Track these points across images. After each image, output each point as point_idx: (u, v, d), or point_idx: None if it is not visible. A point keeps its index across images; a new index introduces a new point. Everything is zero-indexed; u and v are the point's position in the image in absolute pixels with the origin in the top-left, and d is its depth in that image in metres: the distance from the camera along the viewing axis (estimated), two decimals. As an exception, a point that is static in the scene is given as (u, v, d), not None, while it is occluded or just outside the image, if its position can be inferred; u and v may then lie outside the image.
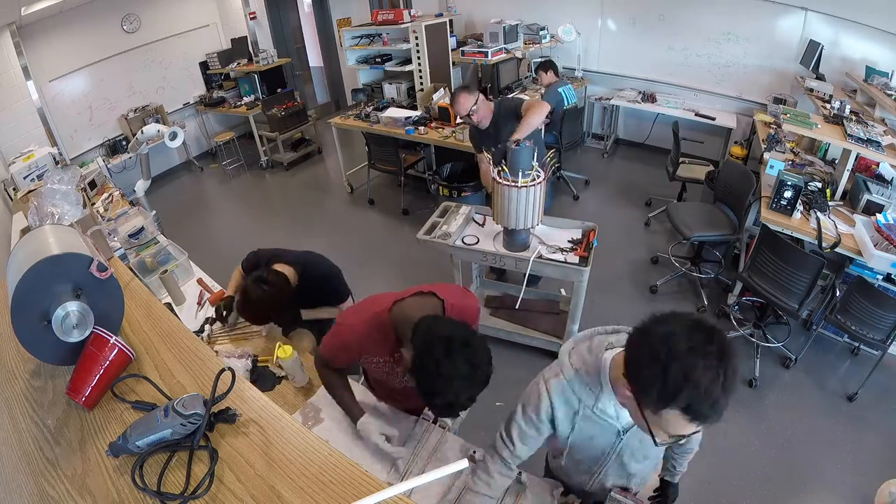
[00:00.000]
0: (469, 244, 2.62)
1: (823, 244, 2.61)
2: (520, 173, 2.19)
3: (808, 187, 2.93)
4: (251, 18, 6.53)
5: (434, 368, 1.07)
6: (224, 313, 2.06)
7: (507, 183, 2.22)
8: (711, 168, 4.10)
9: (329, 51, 7.64)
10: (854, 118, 3.12)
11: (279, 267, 1.87)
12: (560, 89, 4.38)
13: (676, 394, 0.82)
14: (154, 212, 3.04)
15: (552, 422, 1.15)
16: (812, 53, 4.06)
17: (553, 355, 2.89)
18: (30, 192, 3.42)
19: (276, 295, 1.71)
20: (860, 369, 2.75)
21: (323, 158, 6.38)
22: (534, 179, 2.22)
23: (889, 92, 3.27)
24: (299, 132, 6.23)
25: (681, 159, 4.12)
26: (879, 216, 2.58)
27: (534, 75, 5.09)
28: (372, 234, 4.57)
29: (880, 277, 2.60)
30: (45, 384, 1.08)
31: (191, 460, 0.86)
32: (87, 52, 5.27)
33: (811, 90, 3.93)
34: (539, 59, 5.18)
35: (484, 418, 2.64)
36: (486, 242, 2.63)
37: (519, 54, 5.18)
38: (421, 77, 4.62)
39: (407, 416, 1.60)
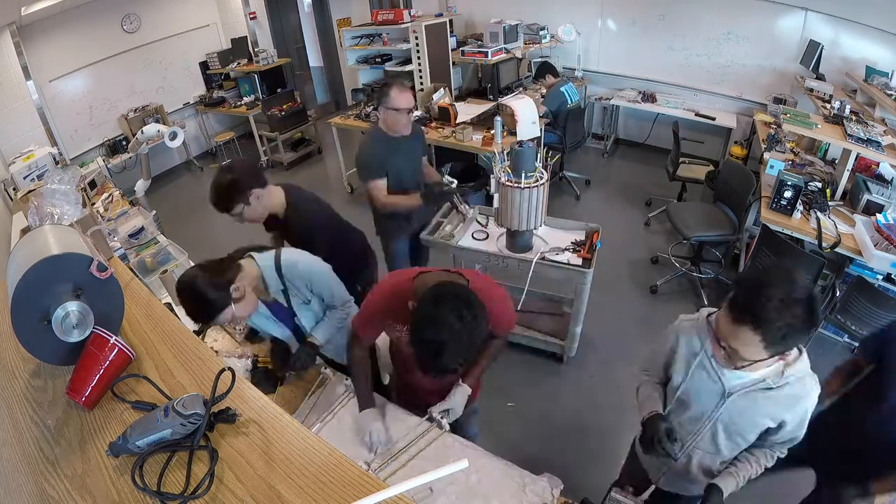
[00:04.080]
0: (472, 245, 2.62)
1: (823, 244, 2.60)
2: (522, 174, 2.19)
3: (808, 187, 2.93)
4: (251, 18, 6.53)
5: (423, 312, 1.17)
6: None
7: (511, 184, 2.22)
8: (711, 168, 4.10)
9: (329, 51, 7.64)
10: (854, 118, 3.12)
11: (273, 187, 1.98)
12: (562, 89, 4.38)
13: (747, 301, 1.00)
14: (154, 212, 3.04)
15: (670, 364, 1.32)
16: (812, 53, 4.06)
17: (556, 357, 2.92)
18: (30, 192, 3.42)
19: (235, 180, 1.83)
20: (860, 369, 2.74)
21: (323, 158, 6.38)
22: (537, 181, 2.22)
23: (889, 92, 3.27)
24: (299, 132, 6.23)
25: (681, 159, 4.13)
26: (879, 216, 2.58)
27: (534, 76, 5.09)
28: (372, 234, 4.54)
29: (880, 277, 2.59)
30: (45, 384, 1.08)
31: (191, 460, 0.86)
32: (87, 52, 5.27)
33: (811, 90, 3.93)
34: (538, 60, 5.18)
35: (496, 421, 2.65)
36: (489, 243, 2.63)
37: (519, 54, 5.18)
38: (421, 77, 4.62)
39: (409, 415, 1.60)
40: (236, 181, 1.84)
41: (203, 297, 1.37)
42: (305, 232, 1.98)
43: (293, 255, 1.66)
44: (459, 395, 1.55)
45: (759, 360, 1.04)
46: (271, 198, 1.97)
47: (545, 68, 4.61)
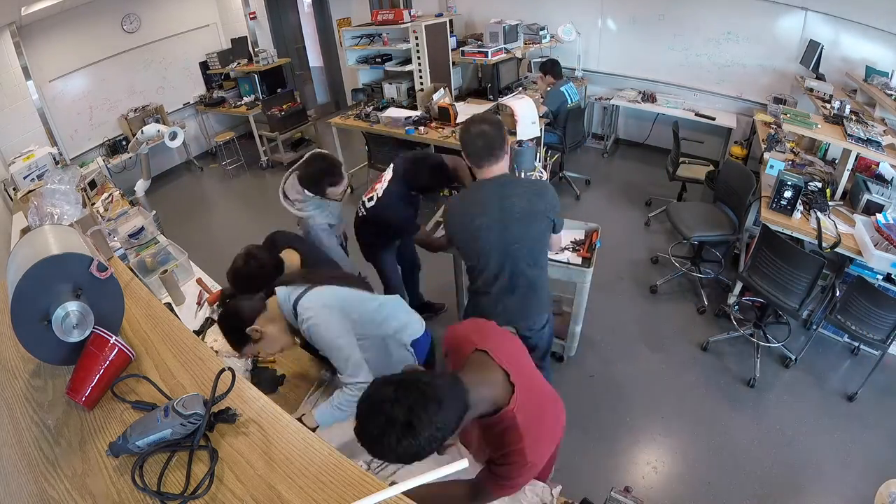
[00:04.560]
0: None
1: (823, 244, 2.61)
2: (522, 174, 2.20)
3: (808, 187, 2.93)
4: (251, 18, 6.53)
5: (379, 382, 0.96)
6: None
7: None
8: (711, 168, 4.10)
9: (329, 51, 7.64)
10: (854, 118, 3.12)
11: (286, 252, 1.96)
12: (562, 89, 4.38)
13: None
14: (154, 212, 3.04)
15: None
16: (812, 53, 4.06)
17: (556, 356, 2.92)
18: (30, 192, 3.42)
19: (259, 268, 1.80)
20: (860, 369, 2.75)
21: (323, 158, 6.37)
22: (534, 179, 2.22)
23: (889, 92, 3.27)
24: (299, 132, 6.23)
25: (681, 159, 4.12)
26: (879, 216, 2.58)
27: (535, 75, 5.08)
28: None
29: (880, 277, 2.60)
30: (45, 384, 1.08)
31: (191, 460, 0.86)
32: (87, 52, 5.27)
33: (811, 90, 3.93)
34: (539, 60, 5.18)
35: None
36: None
37: (519, 54, 5.18)
38: (421, 77, 4.62)
39: None
40: (259, 284, 1.73)
41: (228, 331, 1.53)
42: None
43: (310, 307, 1.50)
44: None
45: None
46: (289, 266, 1.94)
47: (550, 65, 4.59)
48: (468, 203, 1.81)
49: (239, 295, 1.71)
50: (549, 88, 4.48)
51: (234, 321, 1.50)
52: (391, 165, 2.48)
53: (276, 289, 1.58)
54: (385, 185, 2.42)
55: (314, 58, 7.98)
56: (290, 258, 1.98)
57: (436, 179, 2.41)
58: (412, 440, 0.88)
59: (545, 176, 2.27)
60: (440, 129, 4.24)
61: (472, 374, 1.08)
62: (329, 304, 1.54)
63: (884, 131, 2.95)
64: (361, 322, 1.59)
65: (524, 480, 1.16)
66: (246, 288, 1.75)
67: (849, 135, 2.84)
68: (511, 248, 1.79)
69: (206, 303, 2.28)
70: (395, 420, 0.88)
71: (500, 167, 1.76)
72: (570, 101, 4.40)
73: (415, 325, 1.75)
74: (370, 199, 2.48)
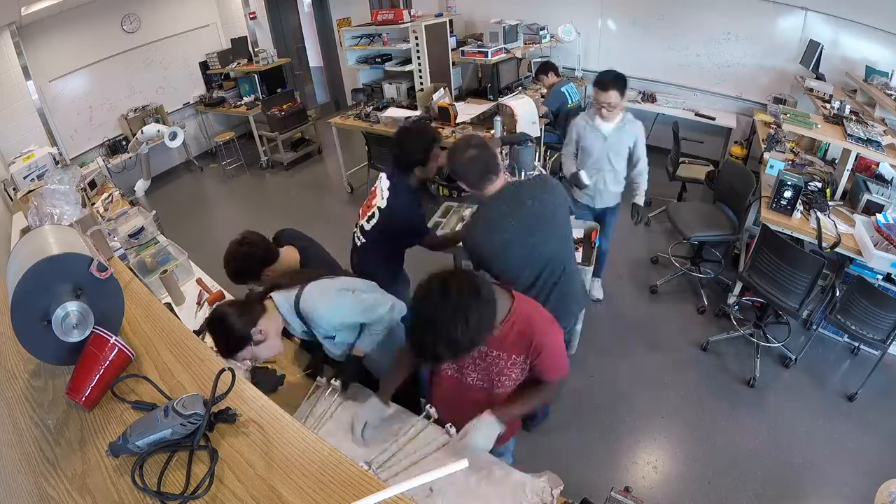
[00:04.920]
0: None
1: (823, 244, 2.61)
2: (521, 173, 2.20)
3: (808, 187, 2.94)
4: (251, 18, 6.53)
5: (424, 286, 1.16)
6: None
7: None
8: (711, 168, 4.10)
9: (329, 51, 7.64)
10: (854, 118, 3.12)
11: (286, 248, 1.97)
12: (563, 89, 4.37)
13: None
14: (154, 212, 3.04)
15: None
16: (812, 53, 4.06)
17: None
18: (30, 192, 3.42)
19: (249, 252, 1.82)
20: (860, 369, 2.75)
21: (323, 158, 6.38)
22: (534, 179, 2.22)
23: (889, 92, 3.27)
24: (299, 132, 6.23)
25: (681, 159, 4.13)
26: (879, 216, 2.58)
27: (534, 77, 5.08)
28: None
29: (880, 277, 2.60)
30: (45, 384, 1.08)
31: (191, 460, 0.86)
32: (87, 52, 5.27)
33: (811, 90, 3.93)
34: (539, 60, 5.18)
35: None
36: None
37: (519, 54, 5.18)
38: (421, 77, 4.62)
39: (411, 415, 1.60)
40: (249, 266, 1.84)
41: (227, 333, 1.45)
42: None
43: (313, 298, 1.57)
44: (484, 430, 1.37)
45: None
46: (284, 262, 1.95)
47: (547, 67, 4.60)
48: (483, 224, 1.78)
49: (233, 276, 1.84)
50: (551, 86, 4.48)
51: (235, 321, 1.46)
52: (381, 173, 2.34)
53: (272, 295, 1.59)
54: (385, 186, 2.26)
55: (314, 58, 7.98)
56: (289, 255, 1.98)
57: (427, 143, 2.19)
58: (484, 307, 1.13)
59: (544, 174, 2.26)
60: (440, 129, 4.24)
61: None
62: (327, 287, 1.62)
63: (884, 131, 2.95)
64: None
65: (563, 349, 1.43)
66: (238, 269, 1.83)
67: (849, 135, 2.84)
68: (540, 253, 1.79)
69: (206, 303, 2.28)
70: (462, 289, 1.11)
71: (501, 181, 1.78)
72: (570, 102, 4.40)
73: (399, 302, 1.77)
74: (369, 218, 2.25)
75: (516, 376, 1.41)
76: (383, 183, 2.26)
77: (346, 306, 1.60)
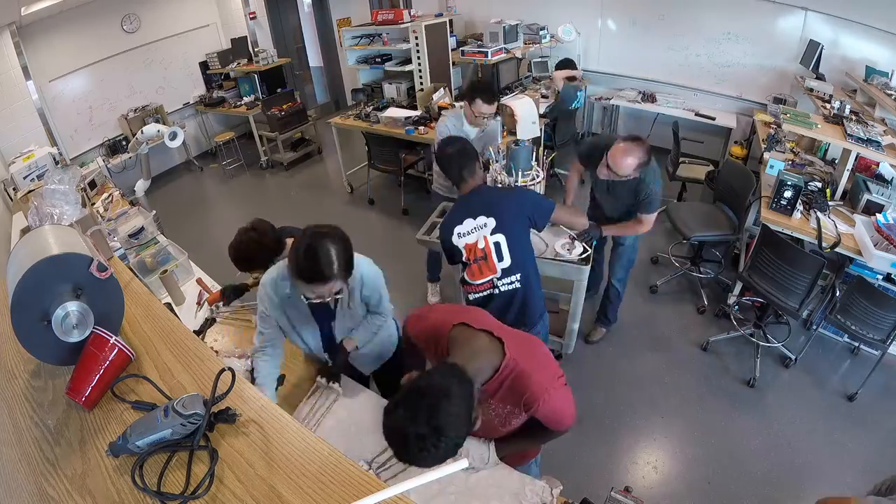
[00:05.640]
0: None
1: (823, 244, 2.61)
2: (519, 173, 2.20)
3: (808, 187, 2.93)
4: (251, 18, 6.53)
5: (385, 419, 1.00)
6: (230, 294, 2.17)
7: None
8: (711, 168, 4.10)
9: (329, 51, 7.64)
10: (854, 118, 3.12)
11: (290, 239, 1.96)
12: (579, 92, 4.36)
13: None
14: (154, 212, 3.04)
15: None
16: (812, 53, 4.06)
17: (555, 354, 2.90)
18: (30, 192, 3.42)
19: (258, 239, 1.84)
20: (860, 369, 2.75)
21: (323, 158, 6.38)
22: (533, 179, 2.22)
23: (889, 92, 3.27)
24: (299, 132, 6.23)
25: (681, 159, 4.12)
26: (879, 216, 2.58)
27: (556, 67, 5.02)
28: (372, 234, 4.57)
29: (880, 277, 2.60)
30: (45, 384, 1.08)
31: (191, 460, 0.86)
32: (87, 52, 5.27)
33: (811, 90, 3.93)
34: (539, 60, 5.16)
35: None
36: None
37: (519, 54, 5.18)
38: (421, 77, 4.62)
39: None
40: (256, 254, 1.85)
41: (349, 253, 1.42)
42: None
43: (362, 262, 1.59)
44: (474, 451, 1.38)
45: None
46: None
47: (566, 63, 4.56)
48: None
49: (240, 262, 1.88)
50: (564, 85, 4.43)
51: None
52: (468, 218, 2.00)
53: None
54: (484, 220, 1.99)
55: (314, 58, 7.98)
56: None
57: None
58: (446, 438, 0.96)
59: (542, 175, 2.26)
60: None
61: (461, 349, 1.20)
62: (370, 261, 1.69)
63: (884, 131, 2.95)
64: None
65: (566, 404, 1.28)
66: (246, 256, 1.85)
67: (849, 135, 2.84)
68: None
69: (206, 303, 2.28)
70: (422, 435, 0.95)
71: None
72: (578, 105, 4.41)
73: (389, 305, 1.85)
74: (497, 249, 1.99)
75: (518, 422, 1.32)
76: (479, 222, 1.98)
77: (378, 274, 1.66)
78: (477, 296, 2.04)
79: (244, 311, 2.20)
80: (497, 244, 1.95)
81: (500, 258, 1.96)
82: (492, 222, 1.94)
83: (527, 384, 1.20)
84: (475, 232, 1.95)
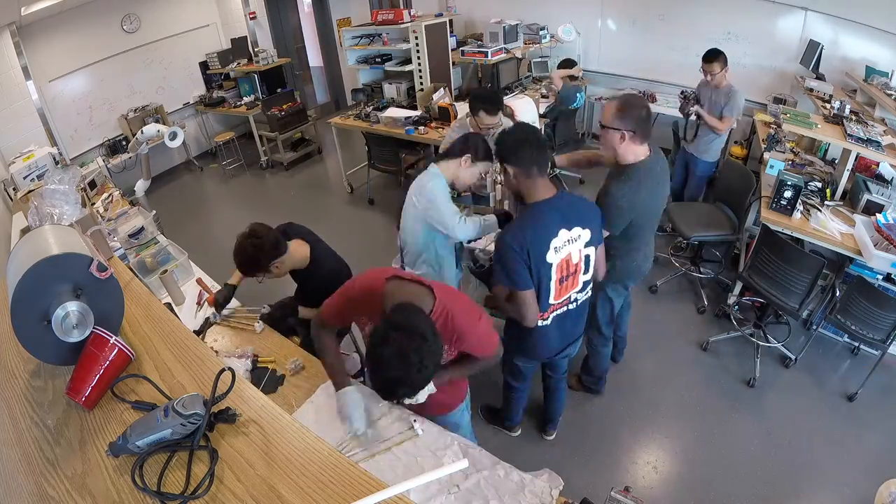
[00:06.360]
0: (468, 244, 2.62)
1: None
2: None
3: (808, 187, 2.94)
4: (251, 18, 6.53)
5: (372, 353, 1.18)
6: (220, 301, 2.17)
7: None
8: (711, 168, 4.09)
9: (329, 51, 7.65)
10: (854, 118, 3.12)
11: (295, 242, 2.00)
12: (579, 93, 4.37)
13: None
14: (154, 212, 3.04)
15: None
16: (812, 53, 4.06)
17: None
18: (30, 192, 3.42)
19: (260, 245, 1.86)
20: (860, 369, 2.75)
21: (323, 158, 6.38)
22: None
23: (889, 92, 3.27)
24: (299, 132, 6.23)
25: (681, 159, 4.12)
26: (879, 216, 2.58)
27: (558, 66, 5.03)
28: (372, 233, 4.57)
29: (880, 277, 2.60)
30: (45, 384, 1.08)
31: (191, 460, 0.86)
32: (87, 52, 5.27)
33: (811, 90, 3.93)
34: (539, 60, 5.16)
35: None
36: (486, 239, 2.63)
37: (519, 54, 5.18)
38: (421, 77, 4.62)
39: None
40: (257, 259, 1.87)
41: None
42: (323, 286, 1.88)
43: (425, 179, 2.19)
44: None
45: None
46: (294, 255, 1.99)
47: (567, 63, 4.57)
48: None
49: (242, 268, 1.94)
50: (564, 84, 4.44)
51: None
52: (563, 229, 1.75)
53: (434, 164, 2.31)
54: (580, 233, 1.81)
55: (314, 58, 7.98)
56: (299, 249, 2.01)
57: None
58: (430, 344, 1.17)
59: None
60: (440, 129, 4.24)
61: (400, 298, 1.32)
62: None
63: (884, 131, 2.95)
64: None
65: (489, 332, 1.49)
66: (246, 262, 1.89)
67: (849, 135, 2.84)
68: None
69: (206, 303, 2.28)
70: (414, 333, 1.16)
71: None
72: (577, 105, 4.41)
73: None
74: (586, 262, 1.83)
75: (449, 356, 1.48)
76: (573, 236, 1.75)
77: (442, 199, 2.17)
78: (555, 314, 1.85)
79: (242, 312, 2.20)
80: (587, 257, 1.79)
81: (586, 271, 1.82)
82: (587, 234, 1.74)
83: (456, 321, 1.38)
84: (568, 245, 1.71)
